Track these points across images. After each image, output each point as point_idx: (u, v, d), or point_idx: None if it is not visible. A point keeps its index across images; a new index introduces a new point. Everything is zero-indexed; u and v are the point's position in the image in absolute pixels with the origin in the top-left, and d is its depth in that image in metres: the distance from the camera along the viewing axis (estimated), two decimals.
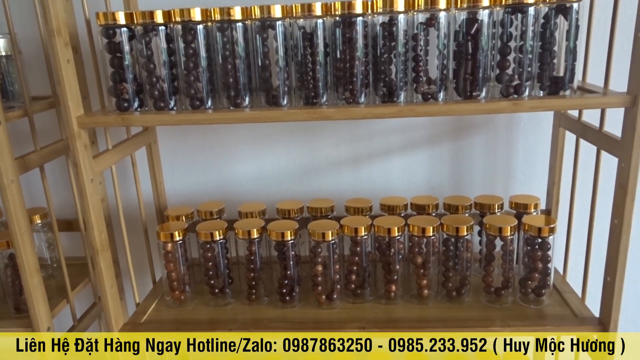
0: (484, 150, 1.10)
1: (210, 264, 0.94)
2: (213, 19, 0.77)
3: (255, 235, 0.92)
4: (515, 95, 0.77)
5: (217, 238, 0.93)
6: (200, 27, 0.78)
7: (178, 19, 0.77)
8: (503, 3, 0.74)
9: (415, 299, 0.93)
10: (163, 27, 0.79)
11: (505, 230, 0.88)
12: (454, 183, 1.13)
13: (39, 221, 1.04)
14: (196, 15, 0.77)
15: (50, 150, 0.94)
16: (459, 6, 0.74)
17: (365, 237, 0.91)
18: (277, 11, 0.76)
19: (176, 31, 0.78)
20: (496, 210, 0.98)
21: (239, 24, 0.77)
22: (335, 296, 0.92)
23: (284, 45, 0.78)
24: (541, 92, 0.78)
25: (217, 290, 0.95)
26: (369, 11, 0.76)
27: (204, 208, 1.03)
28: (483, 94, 0.77)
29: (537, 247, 0.89)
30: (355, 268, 0.93)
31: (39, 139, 0.92)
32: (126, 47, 0.79)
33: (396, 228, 0.89)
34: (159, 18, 0.78)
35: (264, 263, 0.95)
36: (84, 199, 0.80)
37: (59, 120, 1.00)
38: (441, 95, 0.78)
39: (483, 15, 0.74)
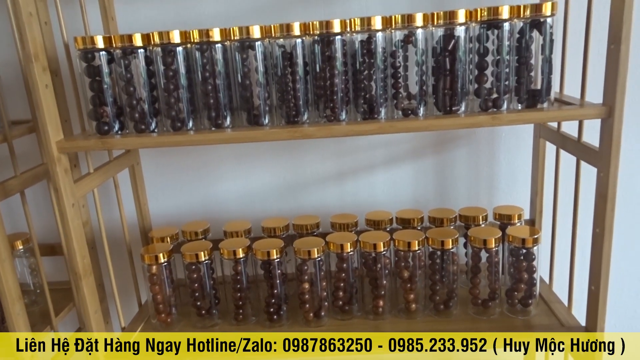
0: (466, 162, 1.11)
1: (196, 285, 0.93)
2: (192, 40, 0.77)
3: (240, 255, 0.92)
4: (494, 109, 0.78)
5: (203, 259, 0.92)
6: (179, 49, 0.78)
7: (157, 41, 0.77)
8: (479, 19, 0.75)
9: (403, 314, 0.93)
10: (142, 50, 0.79)
11: (490, 242, 0.89)
12: (438, 195, 1.14)
13: (20, 247, 1.03)
14: (175, 37, 0.77)
15: (31, 175, 0.93)
16: (435, 23, 0.75)
17: (352, 253, 0.91)
18: (256, 31, 0.76)
19: (155, 53, 0.78)
20: (481, 222, 0.99)
21: (219, 45, 0.78)
22: (323, 313, 0.92)
23: (264, 64, 0.78)
24: (519, 105, 0.79)
25: (203, 312, 0.94)
26: (347, 29, 0.76)
27: (189, 228, 1.02)
28: (462, 108, 0.78)
29: (522, 257, 0.90)
30: (342, 284, 0.93)
31: (19, 162, 0.91)
32: (105, 70, 0.79)
33: (382, 243, 0.90)
34: (138, 41, 0.78)
35: (250, 282, 0.94)
36: (65, 224, 0.79)
37: (40, 144, 0.99)
38: (421, 110, 0.78)
39: (460, 31, 0.75)
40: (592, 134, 0.81)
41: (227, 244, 0.94)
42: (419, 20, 0.75)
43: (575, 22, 0.86)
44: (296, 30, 0.76)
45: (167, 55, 0.78)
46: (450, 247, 0.90)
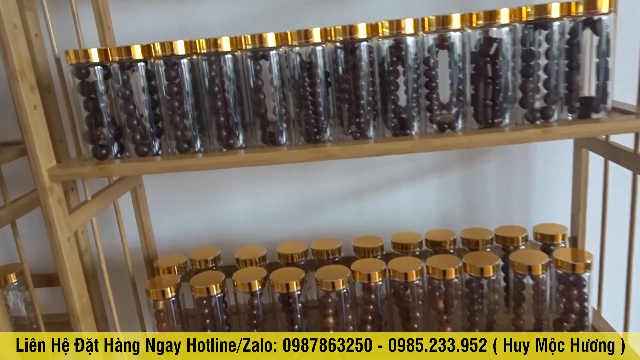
0: (498, 176, 1.02)
1: (208, 321, 0.84)
2: (199, 51, 0.69)
3: (256, 287, 0.82)
4: (542, 120, 0.68)
5: (214, 293, 0.83)
6: (184, 61, 0.69)
7: (159, 52, 0.68)
8: (524, 19, 0.66)
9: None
10: (143, 63, 0.70)
11: (536, 269, 0.79)
12: (467, 213, 1.04)
13: (14, 279, 0.95)
14: (180, 48, 0.68)
15: (24, 202, 0.84)
16: (474, 24, 0.66)
17: (380, 283, 0.82)
18: (270, 39, 0.68)
19: (158, 66, 0.69)
20: (520, 244, 0.89)
21: (228, 56, 0.69)
22: None
23: (280, 76, 0.69)
24: (569, 115, 0.69)
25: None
26: (374, 34, 0.67)
27: (198, 256, 0.93)
28: (507, 120, 0.68)
29: (571, 285, 0.80)
30: (369, 317, 0.83)
31: (13, 185, 0.82)
32: (101, 87, 0.70)
33: (414, 272, 0.80)
34: (137, 53, 0.69)
35: (267, 312, 0.85)
36: (60, 261, 0.70)
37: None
38: (459, 123, 0.69)
39: (502, 33, 0.66)
40: None
41: (241, 274, 0.85)
42: (455, 22, 0.66)
43: (625, 20, 0.76)
44: (316, 37, 0.67)
45: (170, 69, 0.69)
46: (491, 274, 0.80)
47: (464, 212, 1.04)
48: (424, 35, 0.67)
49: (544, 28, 0.66)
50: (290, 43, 0.68)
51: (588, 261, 0.78)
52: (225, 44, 0.68)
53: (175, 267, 0.92)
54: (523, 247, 0.90)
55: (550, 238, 0.89)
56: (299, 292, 0.82)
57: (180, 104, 0.70)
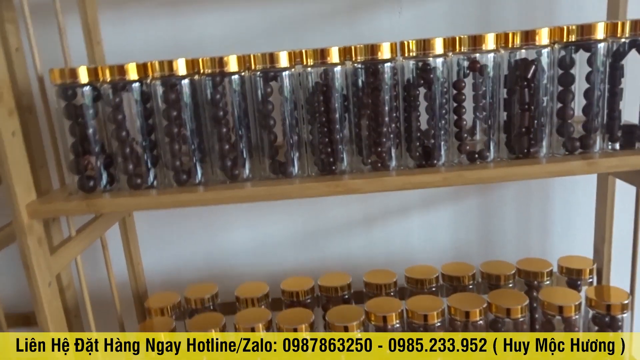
0: (515, 203, 0.95)
1: None
2: (202, 71, 0.61)
3: (261, 331, 0.74)
4: (582, 150, 0.62)
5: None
6: (185, 81, 0.61)
7: (157, 72, 0.60)
8: (566, 40, 0.59)
9: None
10: (137, 84, 0.62)
11: (569, 310, 0.73)
12: (482, 243, 0.97)
13: None
14: (180, 67, 0.60)
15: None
16: (511, 46, 0.60)
17: (397, 326, 0.74)
18: (283, 58, 0.60)
19: (154, 88, 0.62)
20: (545, 279, 0.83)
21: (235, 77, 0.61)
22: None
23: (293, 99, 0.62)
24: (609, 144, 0.63)
25: None
26: (399, 55, 0.60)
27: (194, 294, 0.85)
28: (544, 149, 0.62)
29: (606, 326, 0.73)
30: None
31: None
32: (90, 111, 0.62)
33: (435, 314, 0.73)
34: (132, 73, 0.61)
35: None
36: (39, 309, 0.61)
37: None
38: (491, 153, 0.62)
39: (541, 54, 0.59)
40: None
41: (243, 317, 0.76)
42: (490, 42, 0.59)
43: None
44: (334, 56, 0.60)
45: (169, 90, 0.61)
46: (519, 315, 0.73)
47: (480, 242, 0.97)
48: (453, 56, 0.61)
49: (587, 50, 0.60)
50: (305, 63, 0.61)
51: (625, 301, 0.72)
52: (232, 63, 0.60)
53: (169, 307, 0.83)
54: (548, 282, 0.83)
55: (577, 273, 0.83)
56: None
57: (179, 130, 0.62)
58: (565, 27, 0.59)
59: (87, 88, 0.62)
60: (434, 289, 0.84)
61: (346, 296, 0.84)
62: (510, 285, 0.83)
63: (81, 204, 0.60)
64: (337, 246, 0.97)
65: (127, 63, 0.61)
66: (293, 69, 0.61)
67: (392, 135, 0.62)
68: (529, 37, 0.59)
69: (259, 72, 0.61)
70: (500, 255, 0.96)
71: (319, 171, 0.64)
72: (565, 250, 0.95)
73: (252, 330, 0.73)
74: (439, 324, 0.74)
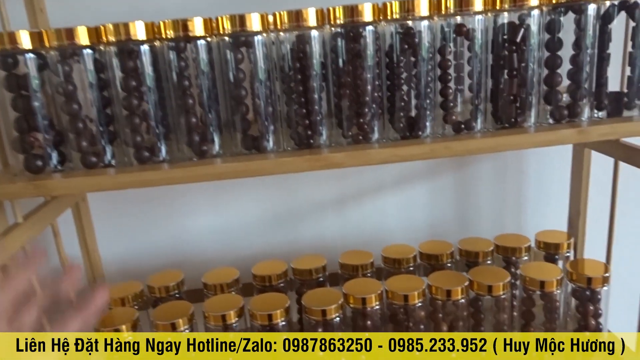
0: (490, 178, 0.93)
1: None
2: (164, 36, 0.54)
3: (232, 319, 0.69)
4: (569, 119, 0.60)
5: (181, 328, 0.69)
6: (145, 48, 0.55)
7: (112, 37, 0.54)
8: (554, 1, 0.56)
9: None
10: (90, 51, 0.55)
11: (550, 285, 0.71)
12: (458, 219, 0.95)
13: None
14: (139, 31, 0.54)
15: None
16: (499, 7, 0.56)
17: (377, 307, 0.71)
18: (254, 21, 0.54)
19: (110, 55, 0.55)
20: (524, 254, 0.81)
21: (202, 42, 0.55)
22: None
23: (267, 67, 0.56)
24: (596, 112, 0.61)
25: None
26: (381, 18, 0.56)
27: (157, 282, 0.78)
28: (532, 119, 0.59)
29: (587, 300, 0.72)
30: None
31: None
32: (35, 82, 0.54)
33: (416, 294, 0.70)
34: (83, 38, 0.54)
35: None
36: None
37: None
38: (479, 123, 0.59)
39: (531, 18, 0.56)
40: None
41: (212, 304, 0.71)
42: (477, 4, 0.55)
43: None
44: (311, 19, 0.55)
45: (127, 57, 0.54)
46: (501, 292, 0.71)
47: (455, 219, 0.95)
48: (439, 19, 0.57)
49: (576, 12, 0.57)
50: (279, 27, 0.56)
51: (606, 274, 0.71)
52: (198, 27, 0.54)
53: (130, 297, 0.77)
54: (526, 258, 0.82)
55: (554, 247, 0.81)
56: (284, 323, 0.69)
57: (139, 102, 0.56)
58: None
59: (30, 55, 0.54)
60: (411, 268, 0.81)
61: (321, 279, 0.80)
62: (489, 262, 0.81)
63: (28, 186, 0.53)
64: (310, 227, 0.92)
65: (77, 26, 0.54)
66: (265, 34, 0.56)
67: (374, 106, 0.57)
68: None
69: (227, 37, 0.55)
70: (476, 232, 0.94)
71: (295, 145, 0.59)
72: (539, 224, 0.94)
73: (223, 318, 0.69)
74: (420, 304, 0.71)
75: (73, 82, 0.55)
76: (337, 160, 0.54)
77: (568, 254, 0.82)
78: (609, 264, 0.82)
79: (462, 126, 0.59)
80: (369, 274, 0.80)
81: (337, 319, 0.69)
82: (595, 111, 0.61)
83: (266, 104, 0.57)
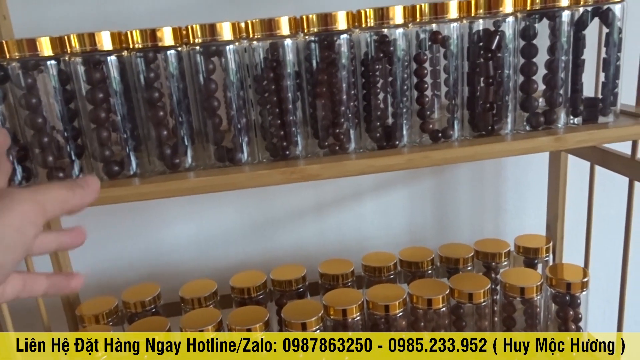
0: (468, 183, 0.93)
1: None
2: (132, 46, 0.53)
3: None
4: (546, 125, 0.59)
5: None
6: (112, 58, 0.53)
7: (77, 47, 0.52)
8: (530, 8, 0.56)
9: None
10: (54, 62, 0.53)
11: (530, 291, 0.71)
12: (437, 224, 0.95)
13: None
14: (105, 40, 0.52)
15: None
16: (474, 14, 0.55)
17: (358, 318, 0.70)
18: (226, 30, 0.53)
19: (75, 66, 0.53)
20: (504, 260, 0.81)
21: (171, 52, 0.53)
22: None
23: (239, 76, 0.55)
24: (573, 118, 0.61)
25: None
26: (356, 25, 0.55)
27: (132, 297, 0.76)
28: (509, 126, 0.59)
29: (567, 305, 0.72)
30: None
31: None
32: None
33: (397, 304, 0.69)
34: (46, 48, 0.51)
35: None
36: None
37: None
38: (455, 131, 0.58)
39: (507, 24, 0.56)
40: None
41: (189, 320, 0.69)
42: (452, 11, 0.55)
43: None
44: (284, 28, 0.54)
45: (93, 68, 0.52)
46: (482, 300, 0.71)
47: (435, 224, 0.94)
48: (415, 26, 0.56)
49: (551, 18, 0.57)
50: (251, 36, 0.54)
51: (585, 279, 0.71)
52: (167, 36, 0.52)
53: (104, 314, 0.74)
54: (506, 263, 0.82)
55: (534, 252, 0.82)
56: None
57: (107, 115, 0.54)
58: None
59: None
60: (392, 276, 0.80)
61: (301, 289, 0.79)
62: (469, 268, 0.81)
63: None
64: (289, 235, 0.91)
65: (40, 37, 0.52)
66: (238, 43, 0.54)
67: (350, 115, 0.56)
68: (491, 5, 0.55)
69: (198, 47, 0.54)
70: (455, 236, 0.94)
71: (270, 157, 0.57)
72: (518, 228, 0.95)
73: (201, 332, 0.67)
74: (401, 313, 0.70)
75: (37, 95, 0.53)
76: (314, 172, 0.53)
77: (547, 258, 0.82)
78: (587, 267, 0.82)
79: (440, 134, 0.58)
80: (349, 284, 0.79)
81: (318, 331, 0.68)
82: (571, 117, 0.61)
83: (239, 115, 0.56)
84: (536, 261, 0.82)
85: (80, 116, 0.55)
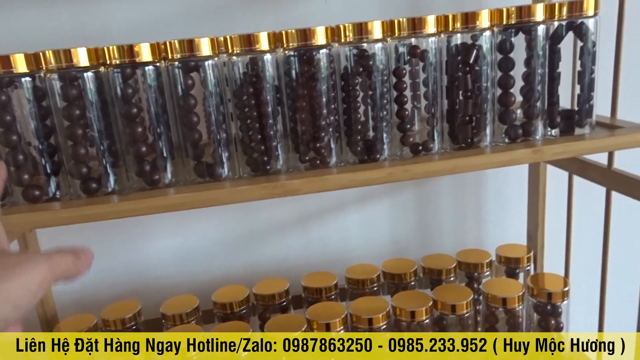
0: (450, 193, 0.94)
1: None
2: (109, 61, 0.52)
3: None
4: (524, 137, 0.60)
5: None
6: (89, 74, 0.52)
7: (53, 65, 0.51)
8: (506, 22, 0.57)
9: None
10: (29, 78, 0.52)
11: (512, 302, 0.71)
12: (419, 235, 0.95)
13: None
14: (81, 57, 0.51)
15: None
16: (452, 28, 0.56)
17: (342, 330, 0.70)
18: (204, 46, 0.53)
19: (51, 82, 0.52)
20: (486, 270, 0.81)
21: (150, 67, 0.53)
22: None
23: (218, 93, 0.55)
24: (550, 130, 0.62)
25: None
26: (336, 39, 0.55)
27: (112, 314, 0.75)
28: (488, 138, 0.59)
29: (548, 314, 0.73)
30: None
31: None
32: None
33: (380, 316, 0.69)
34: (20, 65, 0.51)
35: None
36: None
37: None
38: (436, 144, 0.59)
39: (484, 38, 0.56)
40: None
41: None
42: (430, 25, 0.55)
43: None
44: (263, 43, 0.54)
45: (68, 85, 0.52)
46: (465, 311, 0.71)
47: (417, 234, 0.95)
48: (393, 41, 0.56)
49: (527, 32, 0.57)
50: (230, 50, 0.54)
51: (566, 288, 0.72)
52: (145, 52, 0.52)
53: (84, 332, 0.73)
54: (488, 273, 0.82)
55: (515, 262, 0.82)
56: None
57: (84, 131, 0.53)
58: (504, 9, 0.57)
59: None
60: (375, 288, 0.80)
61: (284, 303, 0.79)
62: (452, 278, 0.81)
63: None
64: (272, 249, 0.90)
65: (14, 54, 0.51)
66: (217, 58, 0.54)
67: (331, 129, 0.56)
68: (469, 19, 0.56)
69: (177, 62, 0.53)
70: (437, 247, 0.94)
71: (251, 172, 0.57)
72: (500, 237, 0.95)
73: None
74: (384, 326, 0.70)
75: (11, 112, 0.52)
76: (295, 187, 0.53)
77: (528, 268, 0.83)
78: (567, 275, 0.83)
79: (420, 147, 0.59)
80: (332, 297, 0.79)
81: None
82: (549, 129, 0.61)
83: (219, 129, 0.55)
84: (517, 270, 0.82)
85: (56, 133, 0.54)
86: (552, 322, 0.73)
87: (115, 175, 0.56)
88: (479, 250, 0.85)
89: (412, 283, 0.81)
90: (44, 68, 0.51)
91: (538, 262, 0.90)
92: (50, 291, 0.82)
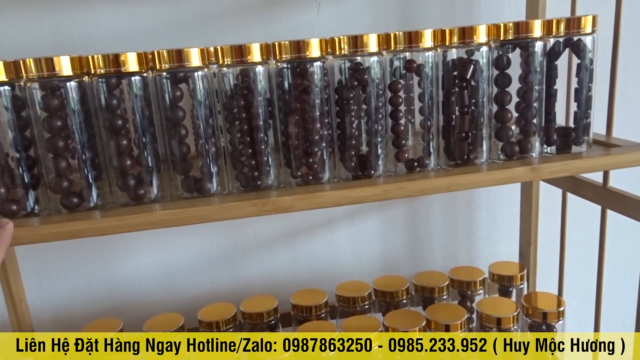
0: (441, 208, 0.92)
1: None
2: (93, 71, 0.50)
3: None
4: (521, 154, 0.59)
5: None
6: (72, 84, 0.50)
7: (33, 74, 0.48)
8: (503, 38, 0.56)
9: None
10: (7, 87, 0.49)
11: (507, 322, 0.70)
12: (410, 251, 0.93)
13: None
14: (64, 65, 0.49)
15: None
16: (448, 43, 0.55)
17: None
18: (194, 56, 0.51)
19: (31, 92, 0.49)
20: (479, 288, 0.80)
21: (136, 78, 0.51)
22: None
23: (207, 105, 0.53)
24: (547, 147, 0.60)
25: None
26: (330, 51, 0.53)
27: (93, 334, 0.72)
28: (485, 155, 0.58)
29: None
30: None
31: None
32: None
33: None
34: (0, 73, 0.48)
35: None
36: None
37: None
38: (432, 161, 0.57)
39: (480, 53, 0.55)
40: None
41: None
42: (427, 40, 0.54)
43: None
44: (255, 54, 0.52)
45: (50, 95, 0.49)
46: (459, 330, 0.69)
47: (408, 250, 0.93)
48: (389, 54, 0.55)
49: (524, 48, 0.56)
50: (221, 61, 0.52)
51: (561, 309, 0.71)
52: (132, 61, 0.50)
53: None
54: (481, 291, 0.81)
55: (508, 279, 0.81)
56: None
57: (66, 143, 0.51)
58: (502, 25, 0.56)
59: None
60: (366, 306, 0.78)
61: (272, 322, 0.76)
62: (445, 297, 0.79)
63: None
64: (259, 265, 0.88)
65: None
66: (207, 69, 0.52)
67: (324, 144, 0.55)
68: (466, 34, 0.55)
69: (165, 73, 0.51)
70: (428, 263, 0.93)
71: (241, 187, 0.55)
72: (491, 254, 0.94)
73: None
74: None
75: None
76: (286, 204, 0.51)
77: (522, 286, 0.81)
78: (561, 293, 0.82)
79: (415, 164, 0.57)
80: (322, 315, 0.77)
81: None
82: (545, 146, 0.60)
83: (209, 143, 0.53)
84: (511, 289, 0.81)
85: (36, 144, 0.51)
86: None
87: (98, 190, 0.53)
88: (471, 268, 0.83)
89: (404, 301, 0.79)
90: (24, 77, 0.49)
91: (531, 279, 0.89)
92: (27, 308, 0.78)
